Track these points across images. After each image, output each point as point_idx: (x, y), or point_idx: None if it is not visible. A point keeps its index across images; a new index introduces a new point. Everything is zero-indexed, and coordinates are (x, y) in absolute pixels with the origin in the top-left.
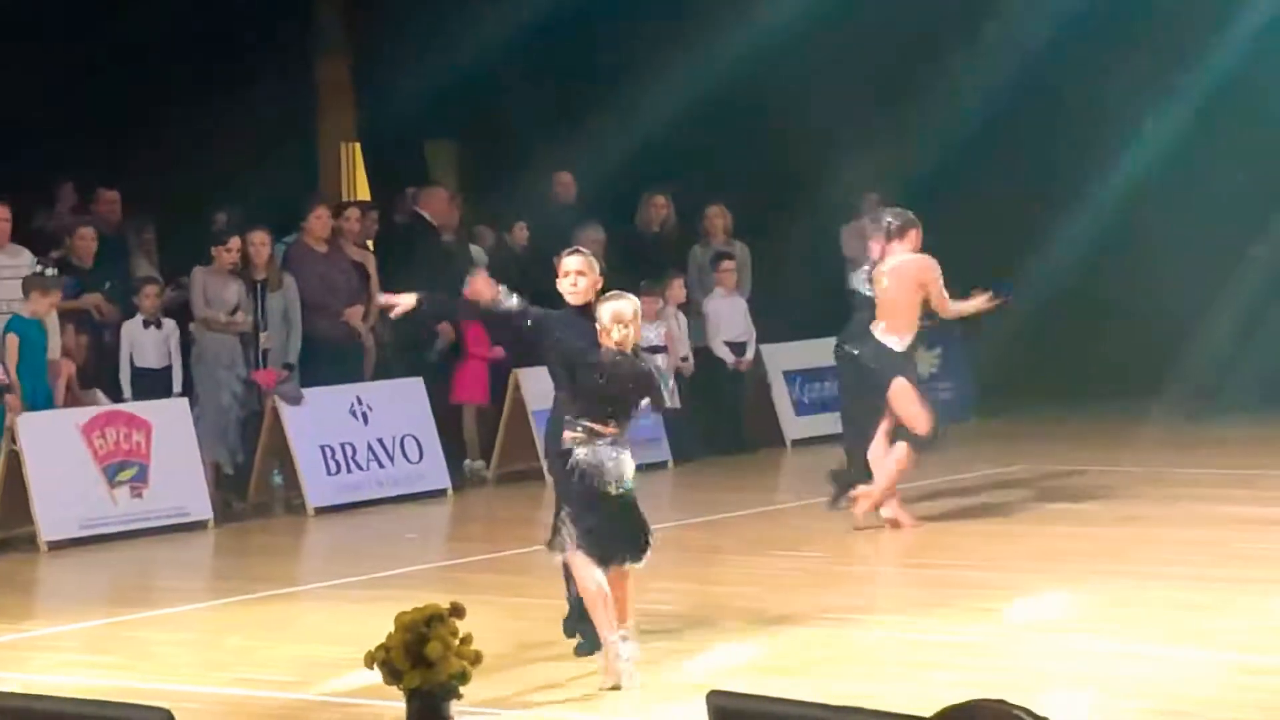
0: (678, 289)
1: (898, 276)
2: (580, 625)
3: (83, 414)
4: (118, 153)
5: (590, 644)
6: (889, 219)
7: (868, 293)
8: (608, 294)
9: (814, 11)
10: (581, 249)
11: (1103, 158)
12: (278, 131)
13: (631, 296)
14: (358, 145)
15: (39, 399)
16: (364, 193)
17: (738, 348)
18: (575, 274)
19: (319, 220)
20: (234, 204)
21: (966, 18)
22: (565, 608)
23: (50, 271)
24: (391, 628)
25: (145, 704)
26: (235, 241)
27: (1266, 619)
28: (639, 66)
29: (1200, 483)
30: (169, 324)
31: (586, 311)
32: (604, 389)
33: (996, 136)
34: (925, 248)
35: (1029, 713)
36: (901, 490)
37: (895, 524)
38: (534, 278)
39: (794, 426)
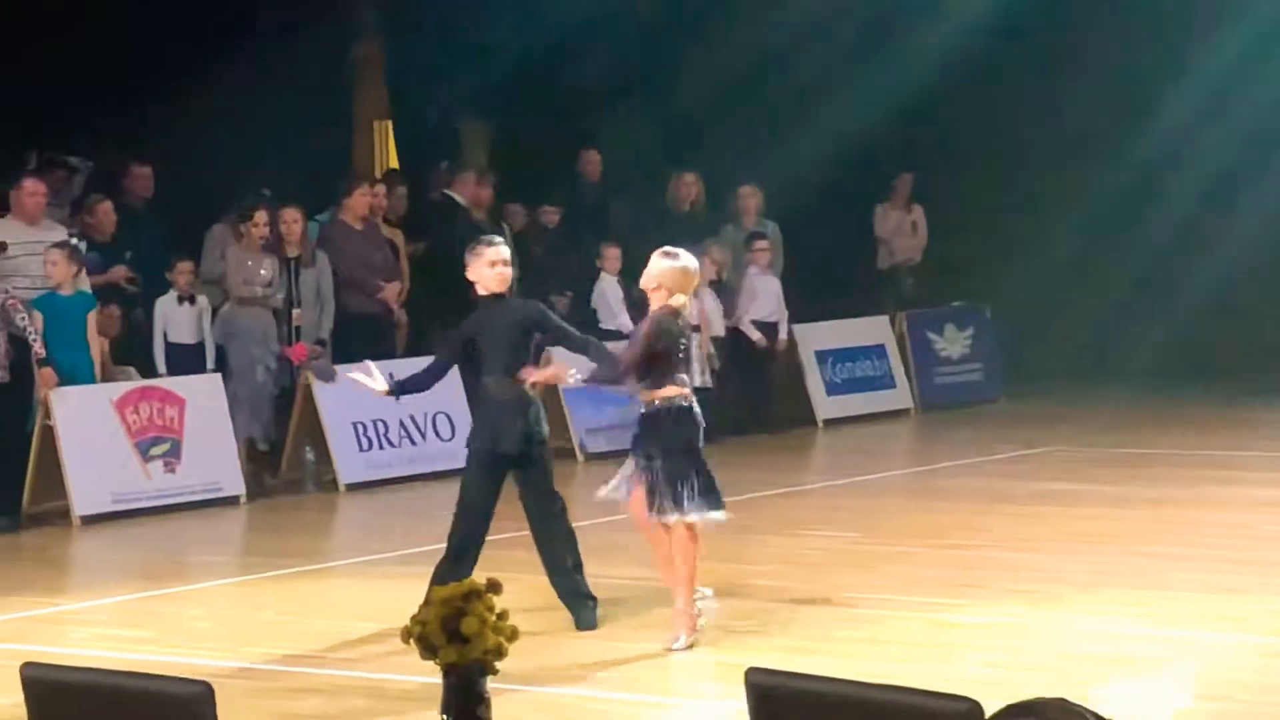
0: (707, 267)
1: None
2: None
3: (116, 389)
4: (150, 129)
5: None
6: None
7: None
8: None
9: None
10: (497, 238)
11: (1135, 141)
12: (310, 110)
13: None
14: (390, 123)
15: (78, 372)
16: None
17: (770, 327)
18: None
19: (362, 198)
20: (267, 182)
21: None
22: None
23: (75, 241)
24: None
25: (186, 677)
26: (261, 215)
27: None
28: (670, 44)
29: (1231, 465)
30: (202, 300)
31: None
32: None
33: (1028, 118)
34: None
35: (1090, 712)
36: (926, 470)
37: None
38: (565, 257)
39: (826, 407)
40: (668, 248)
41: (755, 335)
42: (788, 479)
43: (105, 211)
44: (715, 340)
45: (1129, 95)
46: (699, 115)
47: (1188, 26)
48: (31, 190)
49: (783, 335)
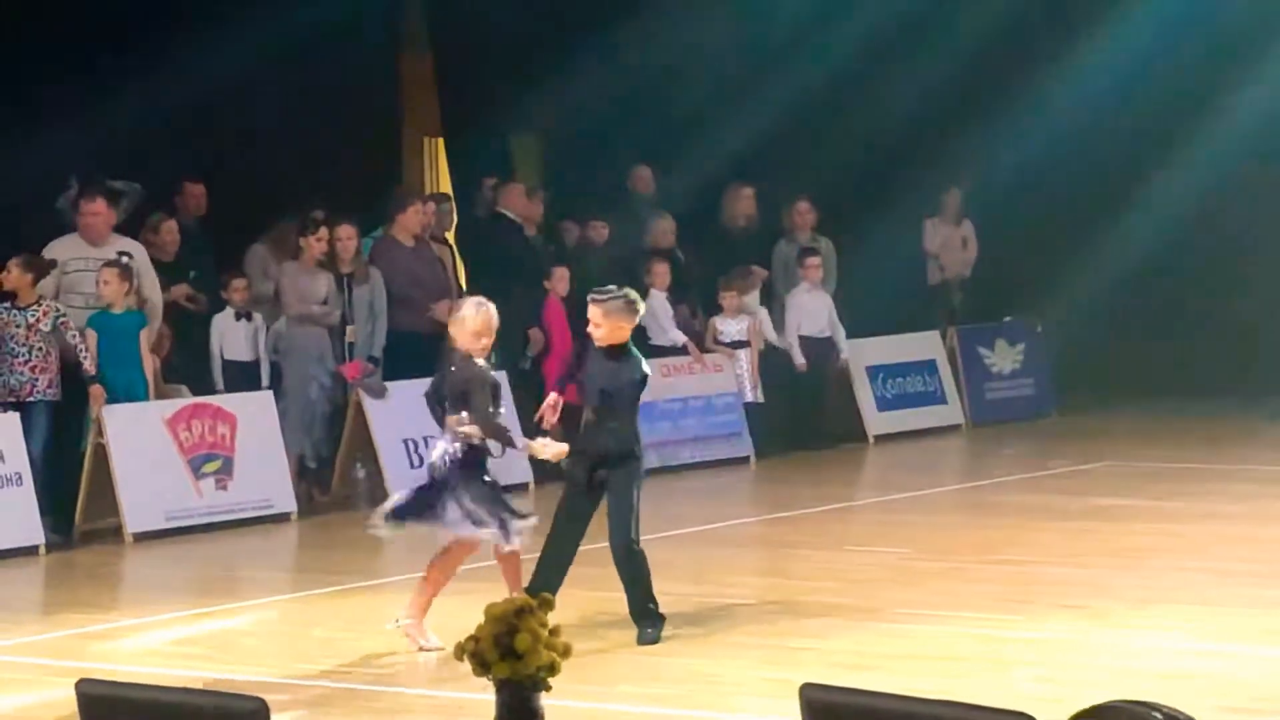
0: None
1: None
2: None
3: (168, 407)
4: (201, 146)
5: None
6: None
7: None
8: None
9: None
10: (598, 295)
11: (1184, 153)
12: (361, 126)
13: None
14: (441, 140)
15: (133, 390)
16: (446, 187)
17: (822, 343)
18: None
19: (415, 214)
20: (319, 198)
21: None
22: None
23: (126, 259)
24: (476, 620)
25: (241, 694)
26: (323, 232)
27: None
28: (716, 59)
29: None
30: (258, 317)
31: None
32: None
33: (1077, 133)
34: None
35: (1165, 711)
36: (976, 486)
37: None
38: (614, 273)
39: (877, 422)
40: (468, 298)
41: (799, 360)
42: (838, 494)
43: (170, 230)
44: (763, 355)
45: (1186, 106)
46: (749, 129)
47: (1249, 36)
48: (81, 210)
49: (844, 355)
